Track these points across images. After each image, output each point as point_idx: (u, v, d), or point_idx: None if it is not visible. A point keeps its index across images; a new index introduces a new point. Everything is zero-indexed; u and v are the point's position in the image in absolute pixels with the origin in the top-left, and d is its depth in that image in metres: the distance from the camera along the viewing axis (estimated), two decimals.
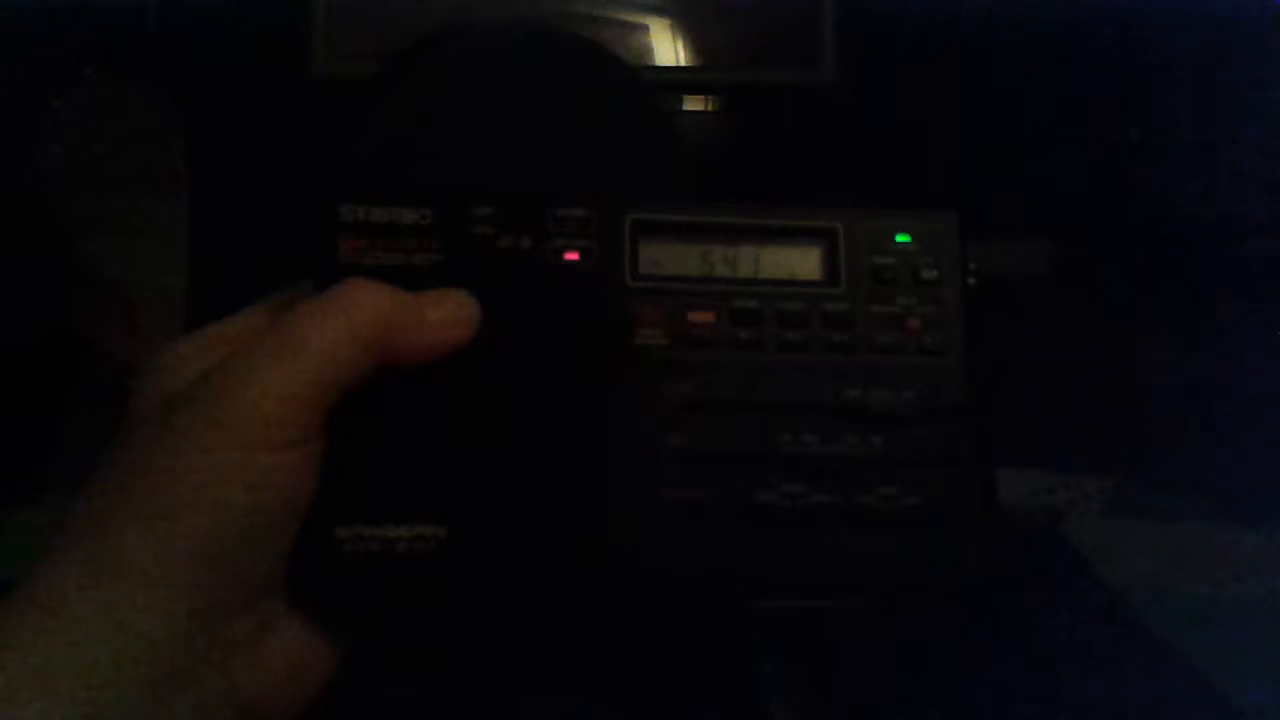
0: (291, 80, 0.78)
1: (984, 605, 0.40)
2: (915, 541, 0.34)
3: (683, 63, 0.76)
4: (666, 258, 0.35)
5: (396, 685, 0.38)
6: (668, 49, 0.76)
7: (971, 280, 0.36)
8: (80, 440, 0.85)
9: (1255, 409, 0.84)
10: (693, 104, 0.84)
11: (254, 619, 0.30)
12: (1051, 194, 0.94)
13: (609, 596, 0.34)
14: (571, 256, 0.34)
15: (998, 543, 0.35)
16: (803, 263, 0.36)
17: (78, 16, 0.86)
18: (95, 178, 0.90)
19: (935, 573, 0.34)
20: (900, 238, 0.36)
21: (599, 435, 0.33)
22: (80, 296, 0.89)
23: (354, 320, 0.30)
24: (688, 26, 0.76)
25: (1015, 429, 0.80)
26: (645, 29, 0.75)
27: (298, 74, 0.77)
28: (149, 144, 0.90)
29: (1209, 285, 0.89)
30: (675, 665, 0.45)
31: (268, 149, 0.85)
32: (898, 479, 0.34)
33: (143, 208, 0.90)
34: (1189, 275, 0.90)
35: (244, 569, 0.29)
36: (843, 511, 0.34)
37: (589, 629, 0.38)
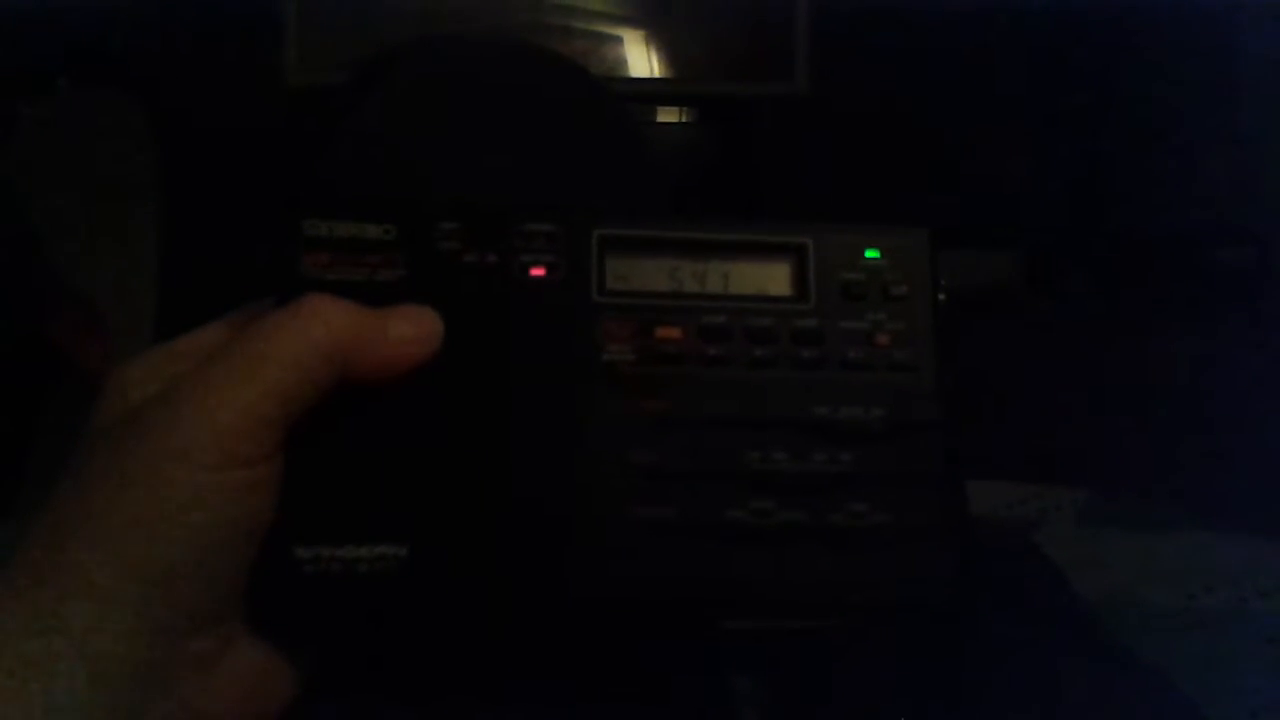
0: (265, 89, 0.78)
1: (957, 617, 0.39)
2: (886, 559, 0.34)
3: (657, 74, 0.76)
4: (634, 273, 0.35)
5: (369, 697, 0.38)
6: (642, 61, 0.75)
7: (942, 296, 0.36)
8: (52, 451, 0.84)
9: (1228, 419, 0.85)
10: (667, 116, 0.84)
11: (214, 639, 0.29)
12: (1024, 204, 0.95)
13: (575, 616, 0.33)
14: (538, 272, 0.34)
15: (970, 555, 0.35)
16: (772, 278, 0.36)
17: (48, 25, 0.86)
18: (66, 187, 0.89)
19: (906, 590, 0.34)
20: (870, 253, 0.36)
21: (566, 453, 0.33)
22: (52, 306, 0.89)
23: (314, 336, 0.29)
24: (661, 38, 0.75)
25: (988, 440, 0.80)
26: (619, 40, 0.75)
27: (271, 83, 0.76)
28: (120, 153, 0.89)
29: (1179, 295, 0.90)
30: (647, 682, 0.44)
31: (240, 158, 0.84)
32: (868, 496, 0.34)
33: (113, 217, 0.90)
34: (1159, 285, 0.91)
35: (202, 589, 0.28)
36: (812, 529, 0.33)
37: (555, 648, 0.38)
